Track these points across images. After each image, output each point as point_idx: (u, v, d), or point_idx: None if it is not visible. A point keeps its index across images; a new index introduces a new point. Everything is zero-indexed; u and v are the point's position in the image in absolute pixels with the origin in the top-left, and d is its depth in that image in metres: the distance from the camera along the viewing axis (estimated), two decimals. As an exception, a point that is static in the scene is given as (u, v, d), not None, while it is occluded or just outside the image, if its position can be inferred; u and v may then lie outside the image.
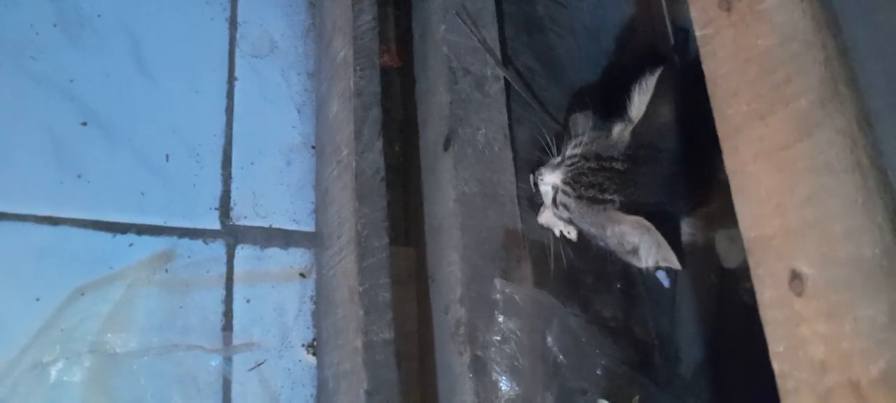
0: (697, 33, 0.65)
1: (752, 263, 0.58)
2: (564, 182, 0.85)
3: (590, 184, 0.84)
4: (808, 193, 0.54)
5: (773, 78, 0.58)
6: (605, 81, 1.15)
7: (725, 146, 0.62)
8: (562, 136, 0.96)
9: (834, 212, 0.53)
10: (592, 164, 0.84)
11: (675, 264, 0.78)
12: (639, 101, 0.86)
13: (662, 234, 0.77)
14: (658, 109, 0.83)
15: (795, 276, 0.54)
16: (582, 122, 1.00)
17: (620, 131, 0.87)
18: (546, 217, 0.95)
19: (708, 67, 0.63)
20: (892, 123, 0.56)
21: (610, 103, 0.97)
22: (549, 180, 0.88)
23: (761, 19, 0.59)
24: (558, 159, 0.89)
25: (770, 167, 0.57)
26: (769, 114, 0.58)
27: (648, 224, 0.78)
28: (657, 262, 0.82)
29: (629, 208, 0.81)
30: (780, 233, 0.56)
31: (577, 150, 0.87)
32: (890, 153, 0.54)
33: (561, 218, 0.90)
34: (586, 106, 1.06)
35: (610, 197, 0.83)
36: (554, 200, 0.88)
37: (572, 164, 0.86)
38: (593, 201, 0.83)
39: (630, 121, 0.86)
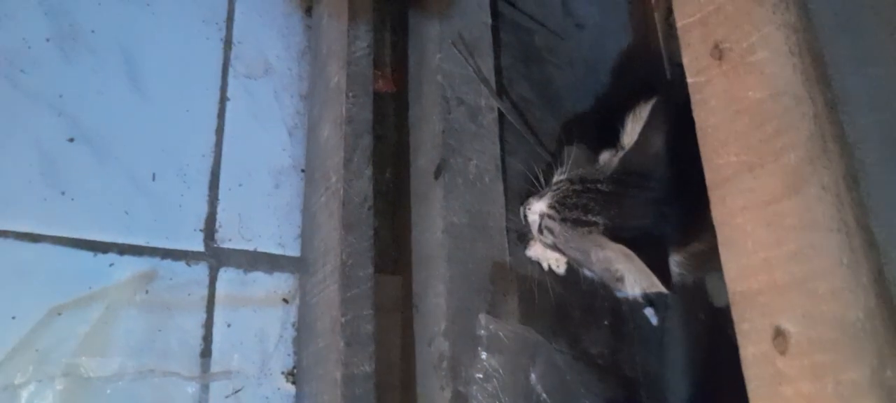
0: (689, 80, 0.65)
1: (736, 317, 0.58)
2: (549, 206, 0.85)
3: (574, 205, 0.83)
4: (795, 250, 0.54)
5: (763, 131, 0.57)
6: (601, 113, 1.14)
7: (713, 195, 0.62)
8: (552, 169, 0.95)
9: (819, 271, 0.52)
10: (577, 186, 0.84)
11: (662, 288, 0.77)
12: (631, 129, 0.85)
13: (648, 259, 0.76)
14: (650, 138, 0.82)
15: (779, 333, 0.54)
16: (572, 154, 0.99)
17: (609, 157, 0.87)
18: (535, 250, 0.95)
19: (698, 116, 0.63)
20: (882, 179, 0.55)
21: (603, 135, 0.96)
22: (537, 209, 0.87)
23: (752, 71, 0.58)
24: (546, 189, 0.89)
25: (757, 220, 0.57)
26: (758, 167, 0.57)
27: (630, 251, 0.77)
28: (645, 289, 0.81)
29: (613, 230, 0.80)
30: (765, 289, 0.55)
31: (563, 176, 0.86)
32: (877, 211, 0.53)
33: (546, 245, 0.89)
34: (579, 138, 1.06)
35: (593, 218, 0.81)
36: (540, 227, 0.87)
37: (558, 189, 0.85)
38: (577, 223, 0.82)
39: (621, 148, 0.86)
